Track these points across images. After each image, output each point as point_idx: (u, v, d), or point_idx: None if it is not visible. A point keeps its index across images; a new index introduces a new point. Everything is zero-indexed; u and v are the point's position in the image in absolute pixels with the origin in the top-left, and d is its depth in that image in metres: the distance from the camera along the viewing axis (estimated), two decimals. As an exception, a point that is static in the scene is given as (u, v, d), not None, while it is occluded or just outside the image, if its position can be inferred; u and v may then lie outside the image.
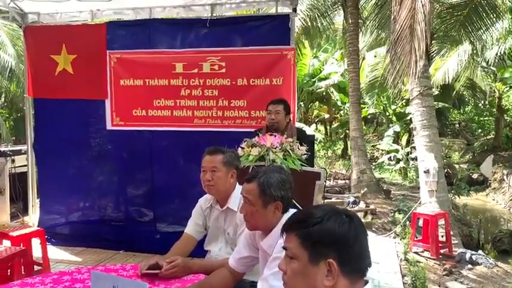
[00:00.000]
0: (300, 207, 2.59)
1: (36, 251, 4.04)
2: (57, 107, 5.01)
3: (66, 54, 4.93)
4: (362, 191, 9.16)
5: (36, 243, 4.05)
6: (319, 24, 11.61)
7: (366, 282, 1.16)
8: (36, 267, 3.95)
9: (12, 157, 5.72)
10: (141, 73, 4.77)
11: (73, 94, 4.95)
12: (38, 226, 4.89)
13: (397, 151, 14.83)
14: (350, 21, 10.28)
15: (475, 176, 14.50)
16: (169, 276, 2.06)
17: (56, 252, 4.70)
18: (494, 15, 9.09)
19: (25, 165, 5.56)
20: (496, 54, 12.40)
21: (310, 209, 1.23)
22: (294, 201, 2.36)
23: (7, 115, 15.79)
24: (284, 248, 1.21)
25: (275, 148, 3.13)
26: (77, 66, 4.92)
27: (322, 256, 1.12)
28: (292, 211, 1.90)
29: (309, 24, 11.43)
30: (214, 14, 4.70)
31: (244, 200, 1.91)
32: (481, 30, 9.47)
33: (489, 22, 9.22)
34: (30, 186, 5.39)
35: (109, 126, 4.92)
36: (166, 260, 2.10)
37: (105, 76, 4.84)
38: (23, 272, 3.47)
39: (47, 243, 4.22)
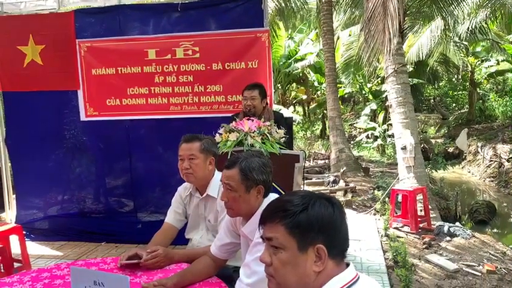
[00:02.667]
0: (281, 191, 2.60)
1: (15, 248, 3.96)
2: (28, 100, 4.86)
3: (34, 45, 4.77)
4: (341, 170, 9.26)
5: (14, 239, 3.97)
6: (293, 5, 11.53)
7: (348, 264, 1.17)
8: (16, 264, 3.87)
9: (-16, 153, 5.56)
10: (113, 61, 4.65)
11: (44, 86, 4.80)
12: (15, 222, 4.79)
13: (374, 129, 15.01)
14: (323, 0, 10.24)
15: (450, 149, 14.83)
16: (151, 267, 2.04)
17: (36, 248, 4.62)
18: (465, -10, 9.18)
19: (-2, 161, 5.42)
20: (468, 28, 12.54)
21: (288, 197, 1.20)
22: (275, 185, 2.36)
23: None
24: (267, 238, 1.16)
25: (253, 132, 3.12)
26: (46, 56, 4.77)
27: (312, 243, 1.11)
28: (272, 195, 1.90)
29: (283, 4, 11.36)
30: (185, -2, 4.60)
31: (226, 186, 1.89)
32: (453, 6, 9.55)
33: (460, -4, 9.31)
34: (4, 182, 5.25)
35: (83, 117, 4.80)
36: (147, 251, 2.08)
37: (76, 66, 4.71)
38: (2, 270, 3.41)
39: (26, 239, 4.14)
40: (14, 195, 5.29)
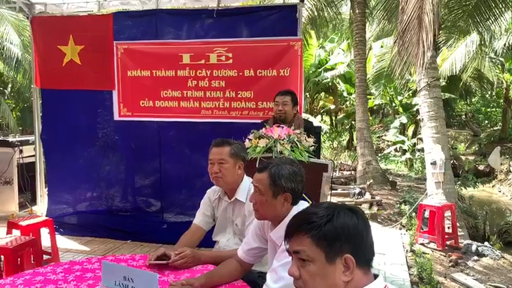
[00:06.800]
0: (309, 200, 2.60)
1: (45, 241, 4.08)
2: (65, 98, 5.04)
3: (74, 45, 4.94)
4: (368, 182, 9.15)
5: (44, 232, 4.09)
6: (325, 14, 11.52)
7: (376, 276, 1.17)
8: (45, 257, 3.99)
9: (20, 147, 5.78)
10: (148, 64, 4.77)
11: (80, 85, 4.97)
12: (46, 216, 4.93)
13: (403, 142, 14.78)
14: (357, 11, 10.20)
15: (481, 167, 14.45)
16: (179, 267, 2.08)
17: (64, 242, 4.75)
18: (503, 5, 8.96)
19: (33, 156, 5.61)
20: (504, 44, 12.28)
21: (311, 209, 1.20)
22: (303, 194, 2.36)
23: (14, 105, 15.81)
24: (295, 251, 1.16)
25: (282, 140, 3.13)
26: (84, 56, 4.93)
27: (339, 253, 1.12)
28: (302, 203, 1.91)
29: (316, 14, 11.35)
30: (221, 5, 4.67)
31: (255, 189, 1.92)
32: (490, 21, 9.34)
33: (498, 12, 9.09)
34: (38, 176, 5.44)
35: (116, 117, 4.94)
36: (175, 252, 2.12)
37: (112, 67, 4.85)
38: (32, 261, 3.52)
39: (56, 232, 4.27)
40: (46, 189, 5.46)
